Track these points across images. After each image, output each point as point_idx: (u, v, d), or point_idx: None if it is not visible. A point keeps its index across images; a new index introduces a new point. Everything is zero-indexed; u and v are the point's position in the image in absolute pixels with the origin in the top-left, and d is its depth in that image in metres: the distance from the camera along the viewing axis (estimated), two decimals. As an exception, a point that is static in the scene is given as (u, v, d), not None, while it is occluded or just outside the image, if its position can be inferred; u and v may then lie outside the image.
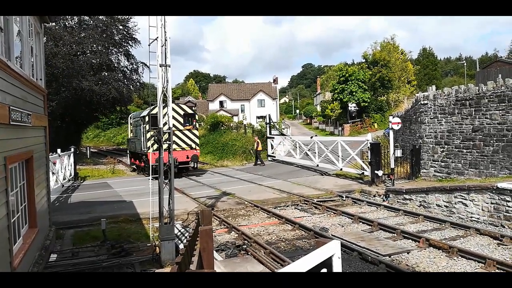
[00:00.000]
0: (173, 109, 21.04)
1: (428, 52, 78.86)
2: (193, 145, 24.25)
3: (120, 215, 14.60)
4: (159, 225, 9.93)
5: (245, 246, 10.60)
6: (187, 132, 24.12)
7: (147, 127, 22.28)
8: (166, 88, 10.23)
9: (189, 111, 25.23)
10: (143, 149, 23.78)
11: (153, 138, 10.80)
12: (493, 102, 15.98)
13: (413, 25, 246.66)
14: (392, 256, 9.88)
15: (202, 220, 6.71)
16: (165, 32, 10.58)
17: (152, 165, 19.78)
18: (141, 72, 42.33)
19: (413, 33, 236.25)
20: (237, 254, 10.20)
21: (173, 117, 19.93)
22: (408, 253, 10.05)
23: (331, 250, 3.21)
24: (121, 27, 39.49)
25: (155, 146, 19.12)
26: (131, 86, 41.93)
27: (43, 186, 10.79)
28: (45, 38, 19.99)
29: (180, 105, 26.47)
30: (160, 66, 10.23)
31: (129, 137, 31.02)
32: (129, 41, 40.59)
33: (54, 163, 21.59)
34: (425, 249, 10.25)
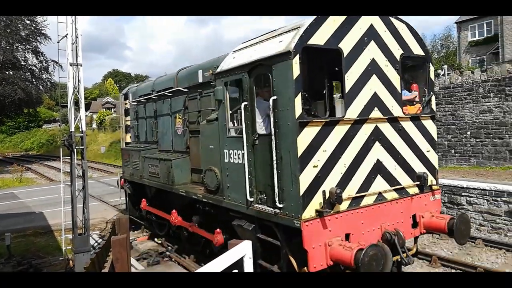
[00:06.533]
0: (371, 33, 6.08)
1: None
2: (428, 175, 6.62)
3: (28, 228, 13.56)
4: (73, 236, 9.23)
5: (169, 252, 10.26)
6: (409, 126, 6.56)
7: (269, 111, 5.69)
8: (78, 89, 9.52)
9: (417, 50, 6.71)
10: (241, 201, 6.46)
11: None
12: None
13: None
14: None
15: (119, 228, 6.33)
16: (75, 28, 9.88)
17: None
18: (52, 71, 39.16)
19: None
20: (160, 261, 9.84)
21: (372, 67, 6.07)
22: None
23: (242, 251, 3.24)
24: (28, 21, 36.14)
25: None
26: (40, 87, 38.62)
27: None
28: None
29: (393, 21, 6.37)
30: (71, 65, 9.51)
31: (130, 141, 12.68)
32: (38, 37, 37.32)
33: None
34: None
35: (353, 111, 5.82)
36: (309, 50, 5.53)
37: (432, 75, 7.08)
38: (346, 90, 5.76)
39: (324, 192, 5.35)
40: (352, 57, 5.84)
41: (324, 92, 7.43)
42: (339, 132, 5.65)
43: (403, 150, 6.39)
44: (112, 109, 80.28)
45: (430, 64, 7.04)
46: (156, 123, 10.51)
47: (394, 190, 6.23)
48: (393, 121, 6.28)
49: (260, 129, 5.97)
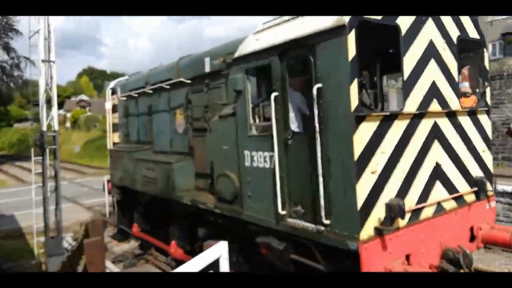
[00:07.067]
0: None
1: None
2: (485, 179, 5.67)
3: (-1, 231, 13.00)
4: (45, 239, 8.92)
5: (146, 254, 10.07)
6: (465, 122, 5.57)
7: None
8: (50, 87, 9.21)
9: (473, 33, 5.69)
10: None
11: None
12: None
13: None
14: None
15: (92, 231, 6.13)
16: (48, 24, 9.55)
17: None
18: (23, 68, 37.71)
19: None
20: (136, 264, 9.65)
21: (430, 49, 5.04)
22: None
23: (218, 251, 3.24)
24: (-3, 16, 34.81)
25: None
26: (11, 84, 37.24)
27: None
28: None
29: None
30: (43, 62, 9.19)
31: (118, 141, 11.45)
32: (9, 33, 35.93)
33: None
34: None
35: (412, 103, 4.76)
36: (363, 26, 4.29)
37: (487, 63, 6.01)
38: (405, 77, 4.69)
39: (386, 205, 4.33)
40: (410, 37, 4.78)
41: (375, 79, 6.37)
42: (397, 128, 4.59)
43: (460, 151, 5.40)
44: (87, 107, 78.52)
45: (485, 50, 5.99)
46: (150, 120, 9.04)
47: (453, 198, 5.27)
48: (451, 115, 5.29)
49: (292, 125, 4.99)
